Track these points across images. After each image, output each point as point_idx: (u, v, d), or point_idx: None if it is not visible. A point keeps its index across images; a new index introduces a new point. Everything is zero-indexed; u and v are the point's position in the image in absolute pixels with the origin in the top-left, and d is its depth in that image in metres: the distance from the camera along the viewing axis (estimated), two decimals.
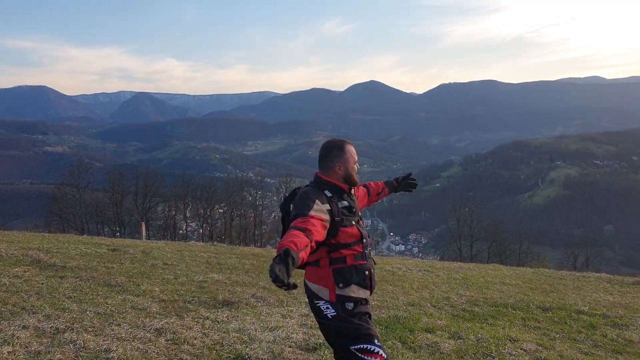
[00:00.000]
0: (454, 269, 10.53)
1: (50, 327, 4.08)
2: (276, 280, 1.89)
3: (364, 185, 3.13)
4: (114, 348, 3.71)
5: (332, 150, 2.57)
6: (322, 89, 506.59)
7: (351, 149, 2.58)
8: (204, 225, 37.27)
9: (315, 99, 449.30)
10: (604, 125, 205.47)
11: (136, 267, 7.53)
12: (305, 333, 4.54)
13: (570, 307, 6.56)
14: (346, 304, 2.42)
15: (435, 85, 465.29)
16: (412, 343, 4.53)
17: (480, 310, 6.16)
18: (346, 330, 2.38)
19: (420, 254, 76.93)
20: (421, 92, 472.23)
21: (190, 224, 39.97)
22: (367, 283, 2.50)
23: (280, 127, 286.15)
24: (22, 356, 3.43)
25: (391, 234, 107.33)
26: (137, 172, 38.21)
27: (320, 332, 4.52)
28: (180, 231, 37.75)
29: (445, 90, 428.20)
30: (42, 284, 5.71)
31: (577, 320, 5.89)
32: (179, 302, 5.49)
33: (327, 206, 2.41)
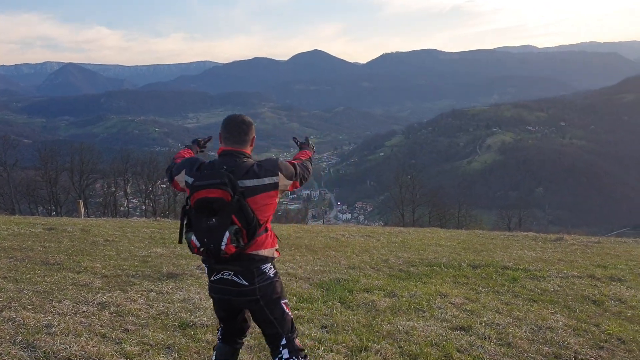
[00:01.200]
0: (394, 233, 11.00)
1: None
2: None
3: None
4: (56, 323, 3.72)
5: (252, 125, 2.68)
6: (265, 58, 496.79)
7: None
8: (147, 201, 36.20)
9: (258, 69, 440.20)
10: (535, 92, 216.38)
11: (75, 245, 7.36)
12: None
13: (497, 264, 7.06)
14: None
15: (378, 55, 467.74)
16: (351, 302, 4.82)
17: (416, 270, 6.57)
18: (280, 286, 2.66)
19: (366, 221, 79.07)
20: (364, 62, 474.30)
21: (131, 200, 38.68)
22: None
23: (222, 98, 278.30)
24: None
25: (338, 203, 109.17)
26: (71, 148, 36.19)
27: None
28: (122, 208, 36.50)
29: (388, 60, 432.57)
30: None
31: (501, 275, 6.39)
32: (122, 277, 5.48)
33: None
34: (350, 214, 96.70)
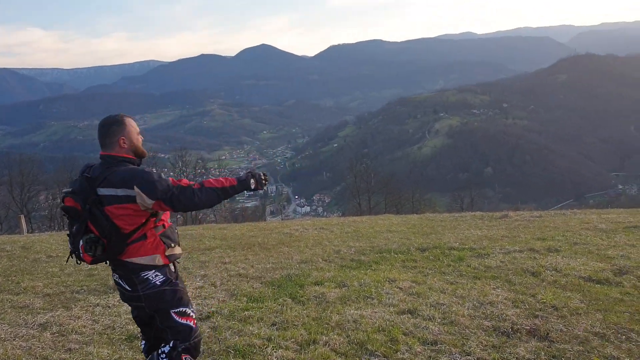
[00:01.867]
0: (348, 223, 11.08)
1: None
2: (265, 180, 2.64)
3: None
4: None
5: (112, 126, 2.57)
6: (212, 54, 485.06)
7: (131, 121, 2.62)
8: None
9: (205, 66, 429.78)
10: (477, 77, 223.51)
11: (15, 265, 7.01)
12: (198, 304, 4.68)
13: (444, 245, 7.26)
14: (172, 265, 2.62)
15: (325, 47, 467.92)
16: (302, 297, 4.87)
17: (366, 259, 6.68)
18: (171, 294, 2.58)
19: (325, 213, 79.57)
20: (313, 55, 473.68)
21: None
22: (178, 240, 2.72)
23: (169, 98, 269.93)
24: None
25: (296, 197, 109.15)
26: (9, 160, 34.42)
27: (210, 301, 4.71)
28: None
29: (335, 52, 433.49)
30: None
31: (448, 256, 6.59)
32: (66, 294, 5.30)
33: None
34: (308, 207, 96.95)
